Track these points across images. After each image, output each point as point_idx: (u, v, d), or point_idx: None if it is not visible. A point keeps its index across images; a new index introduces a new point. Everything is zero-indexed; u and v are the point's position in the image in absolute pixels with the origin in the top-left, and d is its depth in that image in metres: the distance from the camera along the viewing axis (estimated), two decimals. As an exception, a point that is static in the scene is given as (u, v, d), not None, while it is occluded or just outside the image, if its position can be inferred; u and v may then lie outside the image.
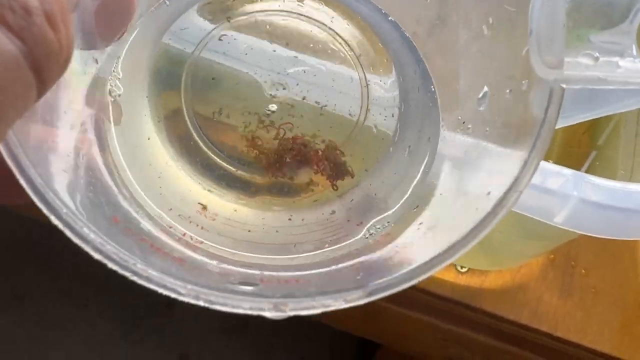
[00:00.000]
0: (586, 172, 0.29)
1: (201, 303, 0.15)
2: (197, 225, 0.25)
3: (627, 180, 0.36)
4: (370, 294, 0.16)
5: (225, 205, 0.26)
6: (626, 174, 0.38)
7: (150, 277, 0.15)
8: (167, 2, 0.26)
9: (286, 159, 0.27)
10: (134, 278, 0.15)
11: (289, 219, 0.26)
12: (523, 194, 0.17)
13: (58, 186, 0.16)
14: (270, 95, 0.28)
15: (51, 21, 0.13)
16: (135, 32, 0.26)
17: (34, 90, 0.14)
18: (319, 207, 0.27)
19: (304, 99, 0.27)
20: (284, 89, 0.28)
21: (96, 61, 0.24)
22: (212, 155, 0.27)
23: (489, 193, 0.18)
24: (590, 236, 0.29)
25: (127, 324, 0.83)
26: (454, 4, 0.25)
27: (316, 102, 0.28)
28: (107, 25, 0.24)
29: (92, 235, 0.15)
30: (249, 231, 0.25)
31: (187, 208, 0.25)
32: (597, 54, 0.20)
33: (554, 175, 0.27)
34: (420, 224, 0.21)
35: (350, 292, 0.16)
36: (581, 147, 0.43)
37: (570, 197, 0.27)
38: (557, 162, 0.28)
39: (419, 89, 0.28)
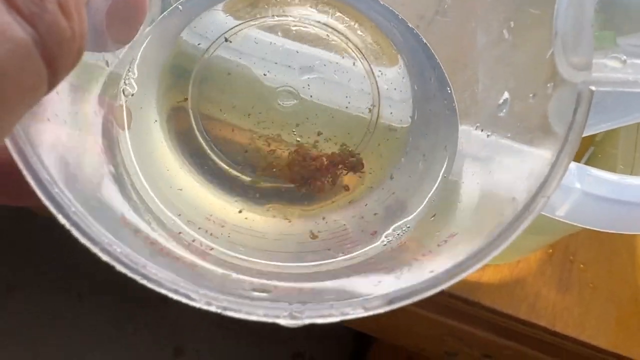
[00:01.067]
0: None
1: (213, 309, 0.15)
2: (207, 232, 0.24)
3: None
4: (391, 302, 0.15)
5: (235, 212, 0.26)
6: (626, 169, 0.37)
7: (161, 281, 0.15)
8: (181, 7, 0.26)
9: (299, 167, 0.27)
10: (144, 282, 0.15)
11: (302, 228, 0.26)
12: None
13: (65, 185, 0.15)
14: (282, 102, 0.27)
15: (64, 8, 0.13)
16: (150, 36, 0.26)
17: (45, 81, 0.13)
18: (333, 215, 0.26)
19: (316, 102, 0.27)
20: (296, 96, 0.27)
21: (107, 63, 0.24)
22: (221, 163, 0.27)
23: (514, 198, 0.17)
24: (589, 231, 0.28)
25: (121, 317, 0.82)
26: (473, 9, 0.25)
27: (329, 107, 0.27)
28: (118, 27, 0.23)
29: (100, 236, 0.15)
30: (260, 239, 0.25)
31: (196, 215, 0.25)
32: (625, 57, 0.19)
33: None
34: (440, 231, 0.20)
35: (370, 299, 0.15)
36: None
37: (573, 190, 0.27)
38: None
39: (435, 95, 0.27)
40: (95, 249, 0.15)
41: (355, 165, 0.26)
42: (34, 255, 0.86)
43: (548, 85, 0.19)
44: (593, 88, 0.17)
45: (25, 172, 0.15)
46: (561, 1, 0.19)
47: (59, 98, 0.19)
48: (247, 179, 0.26)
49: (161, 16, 0.26)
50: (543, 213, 0.22)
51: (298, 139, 0.26)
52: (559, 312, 0.40)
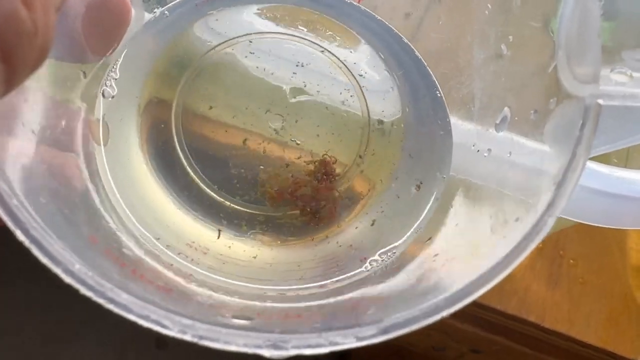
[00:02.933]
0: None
1: (188, 338, 0.13)
2: (187, 257, 0.22)
3: (622, 170, 0.35)
4: (385, 331, 0.14)
5: (218, 240, 0.24)
6: (620, 164, 0.36)
7: (129, 306, 0.13)
8: (167, 13, 0.25)
9: (284, 196, 0.25)
10: (111, 306, 0.13)
11: (289, 257, 0.24)
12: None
13: (27, 198, 0.14)
14: (272, 124, 0.26)
15: None
16: (136, 38, 0.24)
17: (1, 75, 0.12)
18: (322, 245, 0.25)
19: (303, 125, 0.26)
20: (283, 120, 0.26)
21: (84, 75, 0.23)
22: (204, 187, 0.25)
23: (517, 219, 0.16)
24: (579, 226, 0.27)
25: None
26: (468, 24, 0.24)
27: (317, 129, 0.26)
28: (97, 37, 0.22)
29: (63, 256, 0.13)
30: (244, 267, 0.23)
31: (176, 240, 0.23)
32: (631, 72, 0.18)
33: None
34: (436, 255, 0.19)
35: (363, 327, 0.14)
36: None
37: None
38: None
39: (429, 115, 0.26)
40: (56, 269, 0.13)
41: (330, 173, 0.25)
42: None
43: (551, 100, 0.18)
44: (601, 102, 0.16)
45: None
46: (564, 13, 0.18)
47: (28, 107, 0.18)
48: (232, 205, 0.25)
49: (146, 21, 0.25)
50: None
51: (288, 162, 0.25)
52: (548, 308, 0.39)
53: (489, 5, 0.22)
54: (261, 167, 0.25)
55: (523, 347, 0.42)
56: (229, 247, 0.24)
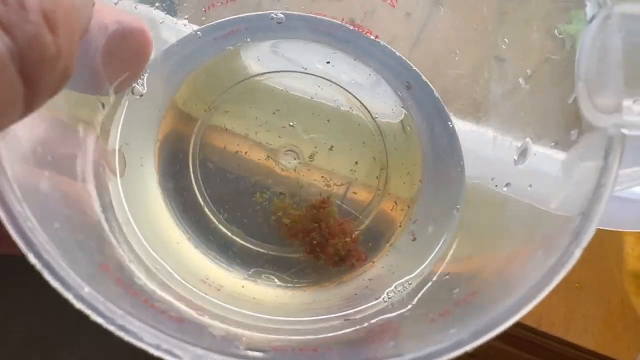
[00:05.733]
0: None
1: (201, 369, 0.13)
2: (200, 291, 0.22)
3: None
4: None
5: (233, 279, 0.24)
6: None
7: (141, 335, 0.13)
8: (200, 34, 0.25)
9: (304, 240, 0.25)
10: (121, 333, 0.13)
11: (306, 298, 0.24)
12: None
13: (40, 223, 0.14)
14: (285, 162, 0.26)
15: (50, 22, 0.12)
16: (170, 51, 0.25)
17: (20, 98, 0.12)
18: (341, 286, 0.24)
19: (320, 165, 0.26)
20: (300, 159, 0.26)
21: (102, 106, 0.23)
22: (224, 229, 0.25)
23: (542, 251, 0.16)
24: None
25: None
26: (485, 59, 0.24)
27: (335, 168, 0.26)
28: (118, 69, 0.22)
29: (75, 280, 0.13)
30: (259, 305, 0.23)
31: (190, 275, 0.23)
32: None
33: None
34: (456, 290, 0.18)
35: (383, 362, 0.13)
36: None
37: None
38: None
39: (446, 152, 0.26)
40: (67, 295, 0.13)
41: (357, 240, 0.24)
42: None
43: (572, 132, 0.18)
44: (626, 132, 0.16)
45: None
46: (583, 45, 0.18)
47: (45, 134, 0.18)
48: (250, 246, 0.25)
49: (177, 40, 0.25)
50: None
51: (307, 204, 0.25)
52: (545, 312, 0.37)
53: (505, 39, 0.22)
54: (279, 210, 0.25)
55: (519, 351, 0.41)
56: (242, 286, 0.23)
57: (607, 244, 0.41)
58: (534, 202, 0.19)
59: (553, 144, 0.19)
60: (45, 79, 0.12)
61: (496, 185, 0.22)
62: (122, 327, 0.13)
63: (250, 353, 0.13)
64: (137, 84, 0.23)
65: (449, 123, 0.26)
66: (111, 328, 0.13)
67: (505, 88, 0.22)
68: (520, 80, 0.21)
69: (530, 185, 0.19)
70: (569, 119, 0.18)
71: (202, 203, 0.25)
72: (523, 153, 0.21)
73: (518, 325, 0.37)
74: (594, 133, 0.17)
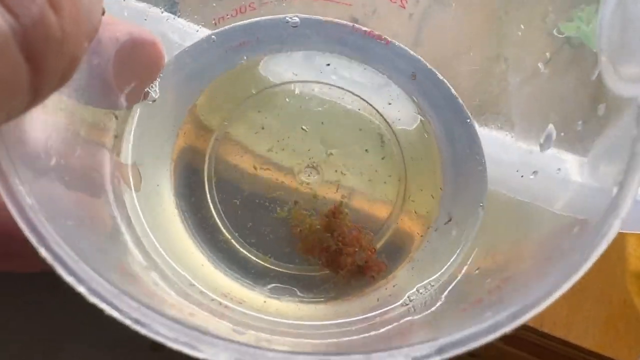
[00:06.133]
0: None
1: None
2: (221, 304, 0.21)
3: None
4: (440, 350, 0.12)
5: (254, 295, 0.23)
6: None
7: (157, 328, 0.12)
8: (214, 38, 0.25)
9: (318, 254, 0.24)
10: (137, 327, 0.12)
11: (327, 312, 0.23)
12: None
13: (54, 228, 0.13)
14: (307, 180, 0.25)
15: (54, 4, 0.11)
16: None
17: (26, 81, 0.11)
18: (362, 299, 0.23)
19: (337, 178, 0.25)
20: (318, 173, 0.25)
21: (116, 117, 0.23)
22: (237, 245, 0.24)
23: (574, 232, 0.15)
24: None
25: (97, 310, 0.72)
26: (500, 50, 0.23)
27: (352, 180, 0.25)
28: (129, 81, 0.22)
29: (87, 275, 0.12)
30: (281, 315, 0.22)
31: (211, 290, 0.22)
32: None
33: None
34: (488, 280, 0.17)
35: (415, 347, 0.12)
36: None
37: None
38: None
39: (466, 153, 0.25)
40: (80, 288, 0.12)
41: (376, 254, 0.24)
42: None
43: (600, 106, 0.17)
44: (657, 97, 0.15)
45: (5, 198, 0.13)
46: (603, 19, 0.18)
47: (59, 143, 0.18)
48: (270, 266, 0.24)
49: (192, 43, 0.24)
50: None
51: (325, 220, 0.24)
52: (546, 312, 0.36)
53: (521, 25, 0.21)
54: (299, 223, 0.24)
55: (520, 351, 0.40)
56: (264, 302, 0.23)
57: (609, 245, 0.41)
58: (562, 186, 0.18)
59: (580, 122, 0.18)
60: (51, 63, 0.12)
61: (522, 176, 0.22)
62: (137, 321, 0.12)
63: (271, 354, 0.12)
64: (149, 88, 0.23)
65: (468, 120, 0.25)
66: (127, 322, 0.12)
67: (523, 75, 0.22)
68: (540, 64, 0.21)
69: (559, 169, 0.18)
70: (594, 95, 0.17)
71: (220, 224, 0.24)
72: (548, 138, 0.20)
73: (519, 325, 0.36)
74: (622, 104, 0.16)
